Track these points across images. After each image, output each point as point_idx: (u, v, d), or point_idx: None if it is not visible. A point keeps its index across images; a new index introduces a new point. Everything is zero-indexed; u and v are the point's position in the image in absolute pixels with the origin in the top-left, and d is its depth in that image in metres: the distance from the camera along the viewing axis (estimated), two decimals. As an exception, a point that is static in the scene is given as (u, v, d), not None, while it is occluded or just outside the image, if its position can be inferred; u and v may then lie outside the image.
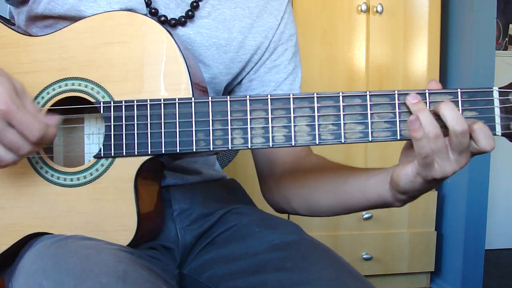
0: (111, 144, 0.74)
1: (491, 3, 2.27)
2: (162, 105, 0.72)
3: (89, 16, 0.77)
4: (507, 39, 3.38)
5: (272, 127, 0.70)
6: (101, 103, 0.74)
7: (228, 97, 0.71)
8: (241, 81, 0.94)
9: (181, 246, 0.85)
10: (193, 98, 0.72)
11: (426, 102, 0.68)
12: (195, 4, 0.85)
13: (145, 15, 0.78)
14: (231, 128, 0.71)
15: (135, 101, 0.73)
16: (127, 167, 0.74)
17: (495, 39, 2.66)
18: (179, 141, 0.72)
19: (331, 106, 0.70)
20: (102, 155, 0.74)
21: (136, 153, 0.73)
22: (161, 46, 0.75)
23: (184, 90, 0.74)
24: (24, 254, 0.73)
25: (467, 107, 0.68)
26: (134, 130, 0.73)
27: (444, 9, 2.38)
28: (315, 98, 0.70)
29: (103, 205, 0.75)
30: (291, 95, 0.70)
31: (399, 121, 0.69)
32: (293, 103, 0.70)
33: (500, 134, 0.68)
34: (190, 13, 0.84)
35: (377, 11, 2.29)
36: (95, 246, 0.69)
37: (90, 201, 0.75)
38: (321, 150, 0.90)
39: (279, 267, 0.76)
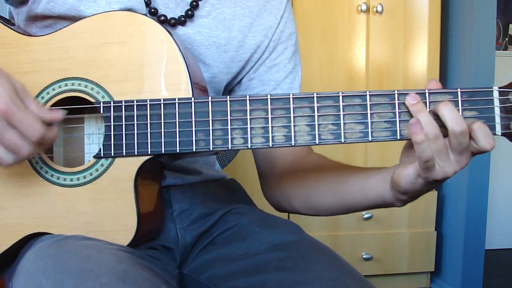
0: (111, 144, 0.74)
1: (491, 3, 2.27)
2: (162, 105, 0.72)
3: (89, 16, 0.77)
4: (507, 39, 3.38)
5: (272, 127, 0.70)
6: (101, 103, 0.74)
7: (228, 97, 0.71)
8: (241, 80, 0.94)
9: (181, 246, 0.85)
10: (193, 98, 0.72)
11: (426, 102, 0.68)
12: (194, 3, 0.85)
13: (145, 14, 0.78)
14: (231, 128, 0.71)
15: (135, 101, 0.73)
16: (127, 167, 0.74)
17: (495, 39, 2.66)
18: (179, 141, 0.72)
19: (331, 106, 0.70)
20: (102, 155, 0.74)
21: (136, 153, 0.73)
22: (161, 46, 0.75)
23: (184, 90, 0.74)
24: (24, 254, 0.73)
25: (467, 106, 0.68)
26: (134, 130, 0.73)
27: (444, 9, 2.38)
28: (315, 98, 0.70)
29: (103, 205, 0.75)
30: (291, 95, 0.70)
31: (399, 121, 0.69)
32: (293, 103, 0.70)
33: (500, 134, 0.68)
34: (189, 12, 0.84)
35: (377, 11, 2.29)
36: (95, 246, 0.69)
37: (90, 201, 0.75)
38: (321, 150, 0.90)
39: (279, 267, 0.76)
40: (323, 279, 0.72)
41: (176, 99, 0.72)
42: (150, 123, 0.73)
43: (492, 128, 0.67)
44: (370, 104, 0.69)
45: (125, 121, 0.73)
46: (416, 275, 2.49)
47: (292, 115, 0.70)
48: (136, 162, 0.74)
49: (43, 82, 0.76)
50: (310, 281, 0.72)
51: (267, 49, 0.92)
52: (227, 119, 0.71)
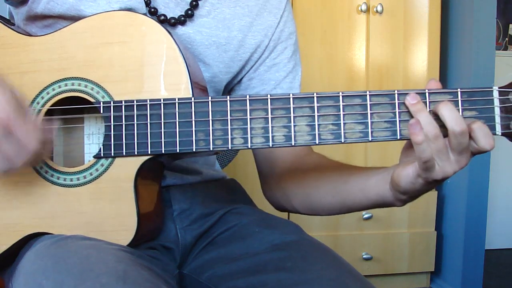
0: (111, 144, 0.73)
1: (491, 3, 2.27)
2: (162, 105, 0.72)
3: (89, 15, 0.77)
4: (507, 39, 3.38)
5: (272, 127, 0.70)
6: (101, 103, 0.74)
7: (228, 97, 0.71)
8: (241, 79, 0.94)
9: (181, 246, 0.85)
10: (193, 98, 0.72)
11: (426, 102, 0.68)
12: (194, 3, 0.85)
13: (145, 14, 0.78)
14: (231, 128, 0.71)
15: (135, 101, 0.73)
16: (127, 167, 0.74)
17: (495, 39, 2.66)
18: (179, 141, 0.72)
19: (331, 106, 0.70)
20: (102, 155, 0.74)
21: (136, 153, 0.73)
22: (161, 46, 0.74)
23: (184, 89, 0.73)
24: (24, 254, 0.73)
25: (467, 106, 0.68)
26: (134, 130, 0.73)
27: (444, 9, 2.38)
28: (315, 98, 0.70)
29: (103, 205, 0.75)
30: (291, 95, 0.70)
31: (399, 121, 0.69)
32: (293, 103, 0.70)
33: (500, 134, 0.68)
34: (189, 12, 0.84)
35: (377, 11, 2.29)
36: (95, 246, 0.69)
37: (90, 201, 0.75)
38: (321, 150, 0.90)
39: (279, 267, 0.76)
40: (323, 279, 0.72)
41: (176, 99, 0.72)
42: (150, 123, 0.73)
43: (492, 128, 0.67)
44: (370, 104, 0.69)
45: (125, 121, 0.73)
46: (416, 275, 2.49)
47: (292, 115, 0.70)
48: (136, 162, 0.74)
49: (43, 82, 0.76)
50: (310, 281, 0.72)
51: (267, 49, 0.92)
52: (227, 119, 0.71)
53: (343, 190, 0.81)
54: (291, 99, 0.70)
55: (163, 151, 0.72)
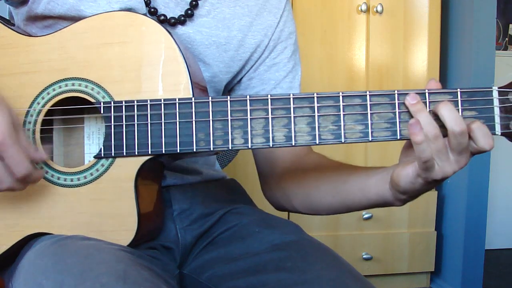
0: (111, 144, 0.74)
1: (491, 3, 2.27)
2: (163, 105, 0.72)
3: (89, 16, 0.77)
4: (507, 39, 3.38)
5: (272, 127, 0.70)
6: (101, 103, 0.74)
7: (228, 97, 0.71)
8: (241, 79, 0.94)
9: (181, 246, 0.85)
10: (193, 98, 0.72)
11: (425, 102, 0.68)
12: (194, 3, 0.85)
13: (145, 14, 0.78)
14: (231, 128, 0.71)
15: (135, 101, 0.73)
16: (128, 167, 0.74)
17: (495, 39, 2.66)
18: (179, 141, 0.72)
19: (331, 106, 0.70)
20: (102, 155, 0.74)
21: (136, 153, 0.73)
22: (161, 46, 0.75)
23: (184, 90, 0.74)
24: (24, 254, 0.73)
25: (467, 106, 0.68)
26: (134, 130, 0.73)
27: (444, 9, 2.38)
28: (315, 98, 0.70)
29: (103, 205, 0.75)
30: (291, 95, 0.70)
31: (399, 121, 0.69)
32: (293, 103, 0.70)
33: (499, 134, 0.68)
34: (189, 12, 0.85)
35: (377, 11, 2.29)
36: (95, 246, 0.69)
37: (90, 201, 0.75)
38: (321, 150, 0.90)
39: (279, 267, 0.76)
40: (323, 279, 0.72)
41: (177, 99, 0.72)
42: (150, 123, 0.73)
43: (492, 128, 0.67)
44: (370, 104, 0.69)
45: (125, 121, 0.73)
46: (416, 275, 2.49)
47: (292, 115, 0.70)
48: (137, 162, 0.74)
49: (43, 83, 0.76)
50: (310, 281, 0.72)
51: (267, 48, 0.92)
52: (228, 119, 0.71)
53: (343, 189, 0.81)
54: (291, 99, 0.70)
55: (163, 151, 0.72)
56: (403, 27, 2.34)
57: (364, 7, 2.27)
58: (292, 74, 0.94)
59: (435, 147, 0.65)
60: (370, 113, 0.69)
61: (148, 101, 0.73)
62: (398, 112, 0.69)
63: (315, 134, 0.70)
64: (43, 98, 0.76)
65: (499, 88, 0.68)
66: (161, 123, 0.72)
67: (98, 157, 0.74)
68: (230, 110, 0.71)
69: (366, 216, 2.35)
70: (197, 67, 0.81)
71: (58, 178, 0.76)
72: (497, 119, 0.68)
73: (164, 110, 0.72)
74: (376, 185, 0.76)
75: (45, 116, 0.76)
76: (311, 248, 0.80)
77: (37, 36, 0.79)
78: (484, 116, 0.68)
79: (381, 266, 2.40)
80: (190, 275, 0.84)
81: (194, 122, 0.72)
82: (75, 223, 0.75)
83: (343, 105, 0.69)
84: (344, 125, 0.69)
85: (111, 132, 0.73)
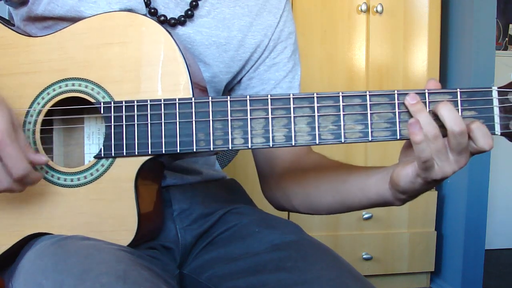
0: (111, 144, 0.74)
1: (491, 3, 2.27)
2: (163, 105, 0.72)
3: (89, 16, 0.77)
4: (507, 39, 3.38)
5: (272, 127, 0.70)
6: (102, 103, 0.74)
7: (228, 97, 0.72)
8: (241, 79, 0.94)
9: (181, 246, 0.85)
10: (193, 98, 0.72)
11: (425, 102, 0.68)
12: (194, 3, 0.85)
13: (145, 15, 0.78)
14: (231, 128, 0.71)
15: (135, 101, 0.73)
16: (128, 167, 0.74)
17: (495, 39, 2.66)
18: (179, 141, 0.72)
19: (331, 106, 0.70)
20: (102, 155, 0.74)
21: (136, 153, 0.73)
22: (160, 46, 0.75)
23: (184, 90, 0.74)
24: (24, 254, 0.73)
25: (466, 106, 0.68)
26: (134, 130, 0.73)
27: (444, 9, 2.38)
28: (315, 98, 0.70)
29: (103, 205, 0.75)
30: (291, 95, 0.70)
31: (399, 121, 0.69)
32: (293, 103, 0.70)
33: (499, 134, 0.68)
34: (189, 12, 0.85)
35: (377, 11, 2.29)
36: (95, 246, 0.69)
37: (90, 201, 0.75)
38: (321, 150, 0.90)
39: (279, 267, 0.76)
40: (323, 279, 0.72)
41: (177, 99, 0.72)
42: (150, 123, 0.73)
43: (491, 128, 0.67)
44: (370, 104, 0.69)
45: (125, 121, 0.73)
46: (416, 275, 2.49)
47: (292, 115, 0.70)
48: (137, 162, 0.74)
49: (43, 83, 0.76)
50: (310, 281, 0.72)
51: (266, 48, 0.92)
52: (228, 119, 0.71)
53: (343, 189, 0.81)
54: (291, 99, 0.70)
55: (163, 151, 0.72)
56: (403, 27, 2.34)
57: (364, 7, 2.27)
58: (292, 74, 0.94)
59: (435, 147, 0.65)
60: (370, 113, 0.69)
61: (148, 101, 0.73)
62: (398, 112, 0.69)
63: (315, 134, 0.70)
64: (43, 98, 0.76)
65: (498, 88, 0.68)
66: (161, 123, 0.72)
67: (98, 157, 0.74)
68: (230, 110, 0.71)
69: (366, 216, 2.35)
70: (197, 67, 0.81)
71: (58, 178, 0.76)
72: (497, 119, 0.68)
73: (164, 110, 0.72)
74: (376, 185, 0.76)
75: (45, 116, 0.76)
76: (311, 248, 0.80)
77: (37, 37, 0.79)
78: (484, 116, 0.68)
79: (381, 266, 2.40)
80: (190, 275, 0.84)
81: (194, 122, 0.72)
82: (75, 223, 0.75)
83: (343, 105, 0.69)
84: (344, 125, 0.69)
85: (111, 132, 0.73)
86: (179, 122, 0.72)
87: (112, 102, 0.74)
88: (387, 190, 0.74)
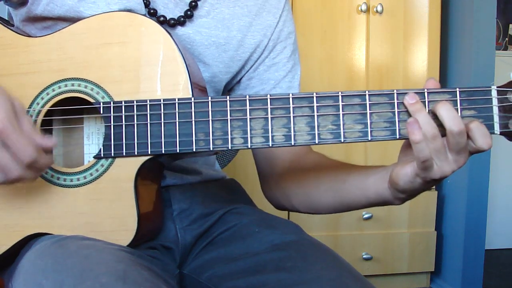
0: (111, 145, 0.74)
1: (491, 3, 2.27)
2: (162, 105, 0.72)
3: (88, 17, 0.77)
4: (507, 39, 3.38)
5: (271, 126, 0.70)
6: (101, 103, 0.74)
7: (228, 97, 0.72)
8: (240, 79, 0.94)
9: (181, 246, 0.85)
10: (192, 98, 0.72)
11: (424, 102, 0.68)
12: (193, 3, 0.85)
13: (144, 15, 0.78)
14: (230, 128, 0.71)
15: (134, 101, 0.73)
16: (127, 167, 0.74)
17: (495, 39, 2.66)
18: (179, 141, 0.72)
19: (330, 106, 0.70)
20: (102, 155, 0.74)
21: (136, 153, 0.73)
22: (160, 46, 0.75)
23: (183, 90, 0.74)
24: (24, 254, 0.73)
25: (466, 106, 0.68)
26: (134, 130, 0.73)
27: (444, 9, 2.38)
28: (315, 98, 0.70)
29: (103, 205, 0.75)
30: (291, 95, 0.70)
31: (398, 120, 0.69)
32: (293, 103, 0.70)
33: (498, 133, 0.68)
34: (189, 12, 0.85)
35: (377, 11, 2.29)
36: (95, 246, 0.69)
37: (90, 201, 0.75)
38: (321, 149, 0.90)
39: (279, 267, 0.76)
40: (323, 279, 0.72)
41: (176, 99, 0.72)
42: (150, 123, 0.73)
43: (491, 127, 0.67)
44: (369, 104, 0.69)
45: (125, 121, 0.73)
46: (416, 275, 2.49)
47: (291, 114, 0.70)
48: (136, 162, 0.74)
49: (43, 83, 0.76)
50: (310, 281, 0.72)
51: (266, 48, 0.92)
52: (227, 119, 0.71)
53: (342, 189, 0.81)
54: (291, 99, 0.70)
55: (163, 151, 0.72)
56: (403, 27, 2.34)
57: (364, 7, 2.27)
58: (292, 73, 0.94)
59: (434, 146, 0.65)
60: (370, 112, 0.69)
61: (148, 101, 0.73)
62: (397, 111, 0.69)
63: (315, 134, 0.70)
64: (42, 98, 0.76)
65: (498, 87, 0.68)
66: (161, 123, 0.72)
67: (97, 157, 0.74)
68: (230, 110, 0.71)
69: (366, 216, 2.35)
70: (196, 67, 0.82)
71: (58, 179, 0.76)
72: (496, 118, 0.68)
73: (163, 110, 0.72)
74: (375, 184, 0.76)
75: (44, 116, 0.76)
76: (311, 248, 0.80)
77: (36, 37, 0.79)
78: (483, 115, 0.68)
79: (381, 266, 2.40)
80: (190, 275, 0.84)
81: (193, 122, 0.72)
82: (75, 223, 0.75)
83: (342, 104, 0.69)
84: (343, 125, 0.69)
85: (111, 132, 0.73)
86: (178, 122, 0.72)
87: (112, 102, 0.74)
88: (386, 190, 0.74)
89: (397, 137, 0.69)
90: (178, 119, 0.72)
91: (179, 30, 0.85)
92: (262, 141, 0.71)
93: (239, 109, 0.71)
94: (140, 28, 0.75)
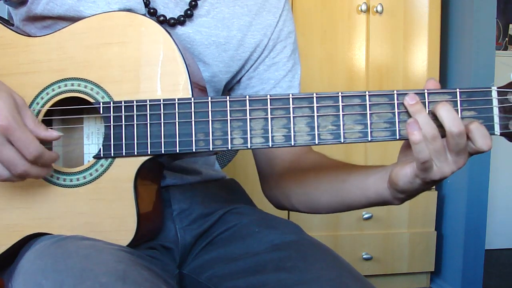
0: (110, 145, 0.74)
1: (491, 3, 2.27)
2: (162, 105, 0.72)
3: (88, 16, 0.77)
4: (507, 39, 3.38)
5: (271, 127, 0.70)
6: (101, 103, 0.74)
7: (228, 97, 0.72)
8: (240, 79, 0.94)
9: (181, 246, 0.85)
10: (192, 98, 0.72)
11: (425, 102, 0.68)
12: (193, 3, 0.85)
13: (144, 15, 0.78)
14: (230, 128, 0.71)
15: (134, 101, 0.73)
16: (127, 168, 0.74)
17: (495, 39, 2.66)
18: (178, 141, 0.72)
19: (330, 106, 0.70)
20: (101, 155, 0.74)
21: (135, 153, 0.73)
22: (160, 46, 0.75)
23: (183, 90, 0.74)
24: (24, 254, 0.73)
25: (466, 106, 0.68)
26: (133, 130, 0.73)
27: (444, 9, 2.38)
28: (315, 98, 0.70)
29: (102, 205, 0.75)
30: (291, 95, 0.70)
31: (398, 121, 0.69)
32: (293, 103, 0.70)
33: (498, 134, 0.68)
34: (189, 12, 0.85)
35: (377, 11, 2.29)
36: (94, 246, 0.69)
37: (90, 201, 0.75)
38: (321, 150, 0.90)
39: (279, 267, 0.76)
40: (323, 279, 0.72)
41: (176, 99, 0.72)
42: (149, 123, 0.73)
43: (491, 128, 0.67)
44: (369, 104, 0.69)
45: (124, 121, 0.73)
46: (416, 275, 2.49)
47: (291, 115, 0.70)
48: (136, 162, 0.74)
49: (43, 83, 0.76)
50: (310, 281, 0.72)
51: (266, 48, 0.92)
52: (227, 119, 0.71)
53: (342, 188, 0.81)
54: (291, 99, 0.70)
55: (163, 152, 0.72)
56: (403, 27, 2.34)
57: (364, 7, 2.27)
58: (292, 73, 0.94)
59: (433, 147, 0.65)
60: (370, 113, 0.69)
61: (148, 101, 0.73)
62: (397, 112, 0.69)
63: (315, 134, 0.70)
64: (42, 98, 0.76)
65: (498, 88, 0.68)
66: (161, 123, 0.72)
67: (97, 157, 0.74)
68: (230, 110, 0.71)
69: (366, 216, 2.35)
70: (196, 67, 0.81)
71: (58, 179, 0.76)
72: (496, 119, 0.68)
73: (163, 110, 0.72)
74: (375, 184, 0.76)
75: (44, 116, 0.76)
76: (311, 248, 0.80)
77: (36, 36, 0.79)
78: (483, 116, 0.68)
79: (381, 266, 2.40)
80: (190, 275, 0.84)
81: (193, 122, 0.72)
82: (74, 223, 0.75)
83: (342, 105, 0.69)
84: (343, 125, 0.69)
85: (111, 132, 0.73)
86: (178, 122, 0.72)
87: (112, 102, 0.74)
88: (385, 190, 0.74)
89: (397, 137, 0.69)
90: (178, 119, 0.72)
91: (179, 29, 0.85)
92: (262, 141, 0.71)
93: (239, 109, 0.71)
94: (140, 28, 0.75)
